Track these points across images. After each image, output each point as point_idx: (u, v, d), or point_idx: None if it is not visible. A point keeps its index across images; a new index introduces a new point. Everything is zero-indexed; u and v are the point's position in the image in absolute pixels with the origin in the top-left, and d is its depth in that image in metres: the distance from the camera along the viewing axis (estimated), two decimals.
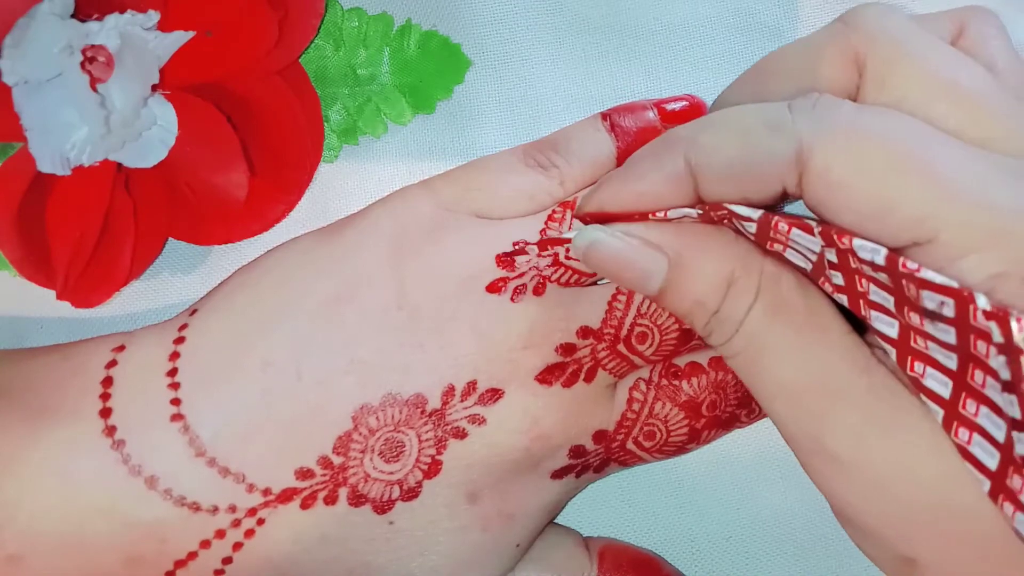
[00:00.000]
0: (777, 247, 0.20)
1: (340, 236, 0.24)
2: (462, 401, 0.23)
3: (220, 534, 0.22)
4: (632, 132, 0.25)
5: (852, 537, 0.21)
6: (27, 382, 0.23)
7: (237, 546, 0.22)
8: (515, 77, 0.28)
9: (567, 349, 0.23)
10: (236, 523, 0.22)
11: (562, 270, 0.24)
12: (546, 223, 0.24)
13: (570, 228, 0.24)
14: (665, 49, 0.28)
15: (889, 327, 0.19)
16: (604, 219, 0.22)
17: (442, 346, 0.23)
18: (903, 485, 0.19)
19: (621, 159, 0.26)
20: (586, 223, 0.22)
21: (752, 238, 0.21)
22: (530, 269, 0.24)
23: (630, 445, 0.24)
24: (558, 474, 0.24)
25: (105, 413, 0.22)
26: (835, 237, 0.18)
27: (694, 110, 0.26)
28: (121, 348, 0.23)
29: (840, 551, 0.27)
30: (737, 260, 0.21)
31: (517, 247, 0.24)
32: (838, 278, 0.19)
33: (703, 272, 0.21)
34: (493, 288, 0.23)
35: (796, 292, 0.21)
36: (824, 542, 0.27)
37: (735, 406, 0.25)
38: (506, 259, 0.24)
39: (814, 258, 0.20)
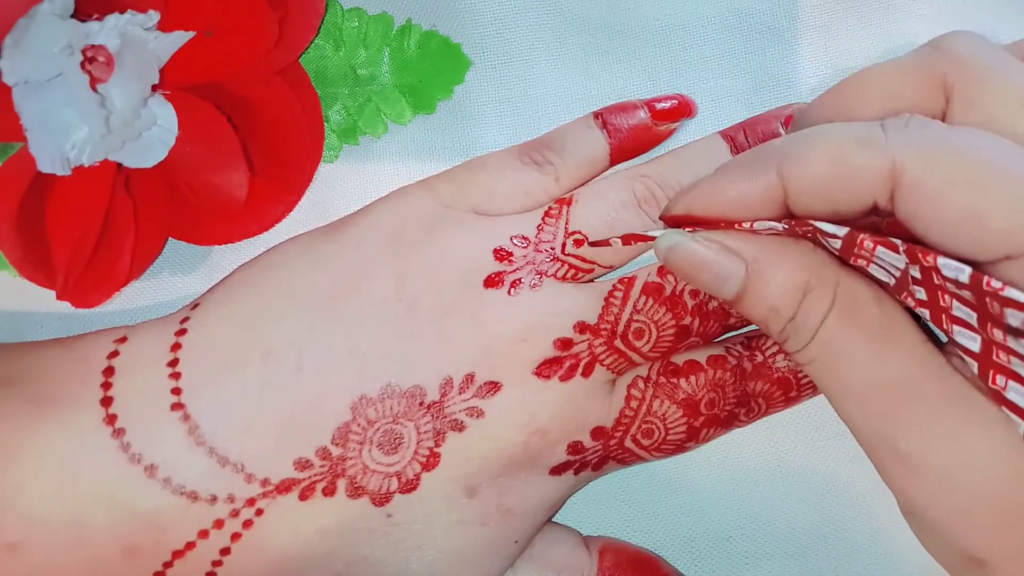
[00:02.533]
0: (860, 263, 0.21)
1: (340, 232, 0.25)
2: (460, 394, 0.23)
3: (219, 524, 0.22)
4: (624, 130, 0.26)
5: (919, 536, 0.22)
6: (29, 372, 0.23)
7: (235, 536, 0.22)
8: (515, 77, 0.28)
9: (564, 343, 0.23)
10: (235, 513, 0.22)
11: (559, 265, 0.24)
12: (543, 219, 0.24)
13: (567, 226, 0.24)
14: (665, 49, 0.28)
15: (971, 341, 0.19)
16: (688, 224, 0.22)
17: (440, 338, 0.23)
18: (975, 486, 0.19)
19: (614, 156, 0.26)
20: (670, 226, 0.23)
21: (836, 253, 0.21)
22: (527, 264, 0.24)
23: (628, 443, 0.25)
24: (556, 470, 0.24)
25: (106, 402, 0.22)
26: (919, 255, 0.18)
27: (683, 108, 0.27)
28: (123, 339, 0.24)
29: (840, 551, 0.27)
30: (813, 269, 0.21)
31: (602, 240, 0.24)
32: (921, 293, 0.20)
33: (779, 279, 0.21)
34: (491, 282, 0.24)
35: (871, 302, 0.21)
36: (824, 542, 0.27)
37: (734, 404, 0.25)
38: (504, 253, 0.24)
39: (898, 274, 0.20)
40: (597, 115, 0.26)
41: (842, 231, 0.20)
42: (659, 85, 0.28)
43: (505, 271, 0.24)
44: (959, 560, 0.20)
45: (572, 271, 0.24)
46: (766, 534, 0.27)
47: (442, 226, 0.24)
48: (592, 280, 0.25)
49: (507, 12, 0.28)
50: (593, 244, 0.24)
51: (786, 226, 0.21)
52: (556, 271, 0.24)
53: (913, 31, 0.28)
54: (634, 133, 0.26)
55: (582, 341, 0.24)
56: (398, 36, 0.28)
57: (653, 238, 0.23)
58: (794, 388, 0.25)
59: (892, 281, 0.20)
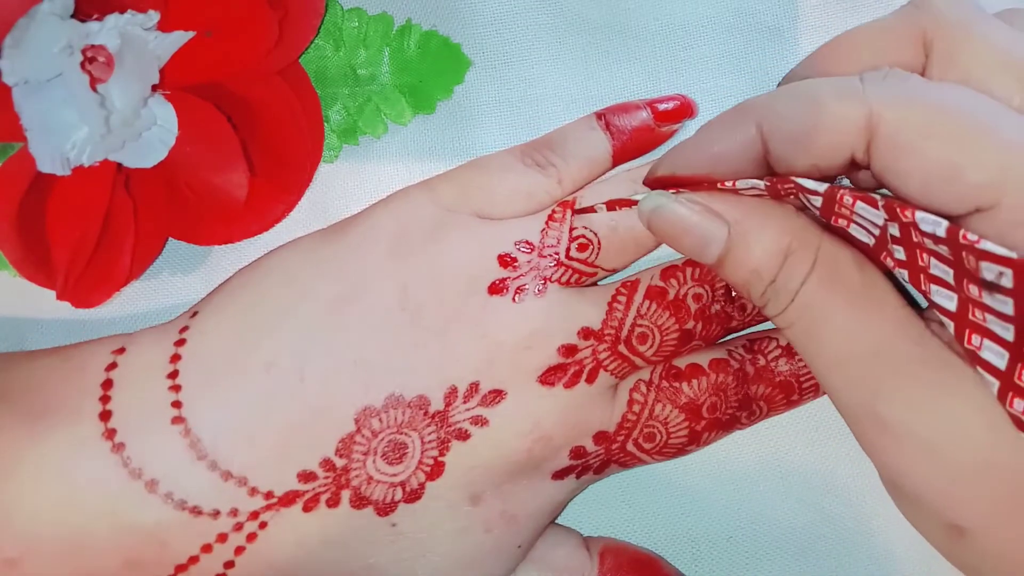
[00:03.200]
0: (841, 222, 0.21)
1: (342, 237, 0.24)
2: (464, 403, 0.23)
3: (222, 538, 0.22)
4: (627, 131, 0.26)
5: (900, 507, 0.22)
6: (26, 384, 0.23)
7: (239, 550, 0.22)
8: (515, 77, 0.28)
9: (569, 350, 0.23)
10: (238, 527, 0.22)
11: (563, 270, 0.24)
12: (547, 223, 0.24)
13: (571, 231, 0.24)
14: (665, 49, 0.28)
15: (948, 300, 0.19)
16: (672, 185, 0.22)
17: (445, 347, 0.23)
18: (954, 450, 0.19)
19: (616, 158, 0.26)
20: (653, 188, 0.23)
21: (817, 213, 0.21)
22: (531, 269, 0.24)
23: (630, 447, 0.24)
24: (559, 475, 0.24)
25: (105, 416, 0.22)
26: (898, 210, 0.18)
27: (685, 109, 0.27)
28: (121, 350, 0.23)
29: (840, 551, 0.27)
30: (795, 232, 0.21)
31: (587, 207, 0.24)
32: (900, 252, 0.20)
33: (761, 242, 0.21)
34: (495, 289, 0.23)
35: (852, 266, 0.21)
36: (824, 542, 0.27)
37: (735, 408, 0.25)
38: (508, 259, 0.24)
39: (877, 232, 0.20)
40: (599, 116, 0.26)
41: (822, 187, 0.20)
42: (659, 85, 0.28)
43: (510, 277, 0.24)
44: (940, 528, 0.20)
45: (576, 275, 0.24)
46: (766, 534, 0.27)
47: (445, 231, 0.24)
48: (595, 283, 0.25)
49: (507, 12, 0.28)
50: (578, 212, 0.24)
51: (768, 183, 0.21)
52: (560, 276, 0.24)
53: None
54: (636, 134, 0.26)
55: (586, 347, 0.24)
56: (398, 36, 0.28)
57: (634, 202, 0.23)
58: (796, 391, 0.25)
59: (872, 241, 0.20)
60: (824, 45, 0.23)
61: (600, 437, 0.24)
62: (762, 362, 0.25)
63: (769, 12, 0.28)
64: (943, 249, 0.18)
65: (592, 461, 0.25)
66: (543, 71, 0.28)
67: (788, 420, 0.27)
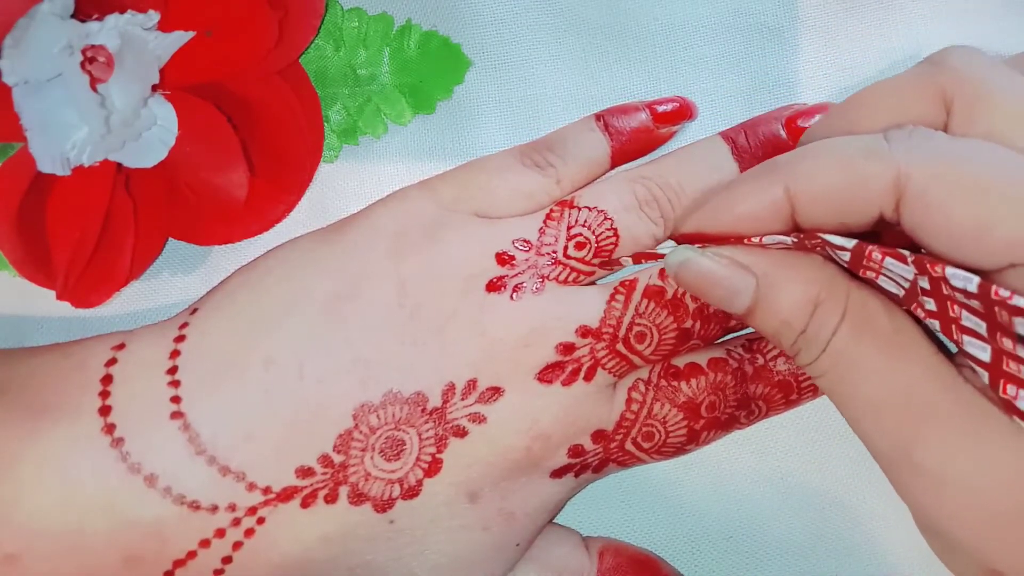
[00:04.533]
0: (870, 274, 0.21)
1: (341, 236, 0.24)
2: (463, 399, 0.23)
3: (220, 533, 0.22)
4: (626, 132, 0.26)
5: (937, 551, 0.22)
6: (26, 380, 0.23)
7: (237, 545, 0.22)
8: (515, 77, 0.28)
9: (567, 348, 0.23)
10: (236, 522, 0.22)
11: (561, 268, 0.24)
12: (544, 222, 0.24)
13: (569, 230, 0.24)
14: (665, 50, 0.28)
15: (981, 351, 0.19)
16: (698, 241, 0.23)
17: (443, 344, 0.23)
18: (992, 496, 0.19)
19: (615, 159, 0.26)
20: (680, 243, 0.23)
21: (845, 266, 0.21)
22: (529, 267, 0.24)
23: (629, 446, 0.25)
24: (557, 473, 0.24)
25: (104, 411, 0.22)
26: (928, 266, 0.18)
27: (684, 111, 0.27)
28: (121, 346, 0.23)
29: (840, 551, 0.27)
30: (823, 282, 0.21)
31: (614, 259, 0.24)
32: (930, 304, 0.20)
33: (790, 293, 0.21)
34: (493, 286, 0.24)
35: (882, 314, 0.21)
36: (824, 542, 0.27)
37: (734, 407, 0.25)
38: (506, 257, 0.24)
39: (907, 285, 0.20)
40: (598, 117, 0.26)
41: (850, 243, 0.20)
42: (658, 85, 0.28)
43: (507, 275, 0.24)
44: (978, 573, 0.20)
45: (574, 274, 0.24)
46: (766, 534, 0.27)
47: (444, 229, 0.24)
48: (593, 282, 0.25)
49: (507, 12, 0.28)
50: (604, 266, 0.24)
51: (795, 239, 0.21)
52: (558, 275, 0.24)
53: (912, 31, 0.28)
54: (635, 135, 0.26)
55: (584, 345, 0.24)
56: (398, 36, 0.28)
57: (660, 255, 0.23)
58: (795, 391, 0.25)
59: (901, 293, 0.21)
60: (844, 102, 0.23)
61: (598, 436, 0.24)
62: (761, 361, 0.25)
63: (769, 12, 0.28)
64: (975, 303, 0.18)
65: (590, 460, 0.25)
66: (543, 71, 0.28)
67: (788, 420, 0.27)
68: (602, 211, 0.24)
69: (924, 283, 0.19)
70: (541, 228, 0.24)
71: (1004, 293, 0.17)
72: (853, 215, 0.20)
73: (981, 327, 0.19)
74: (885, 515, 0.27)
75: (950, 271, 0.18)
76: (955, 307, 0.19)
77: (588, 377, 0.24)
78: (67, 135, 0.25)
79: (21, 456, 0.21)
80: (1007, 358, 0.18)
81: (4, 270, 0.28)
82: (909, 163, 0.19)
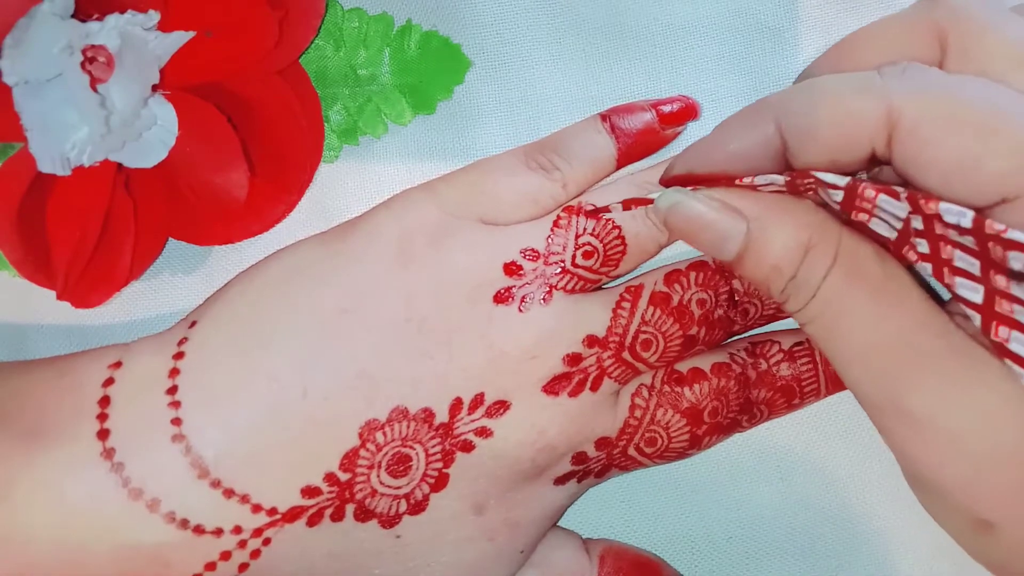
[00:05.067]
0: (862, 216, 0.20)
1: (343, 243, 0.24)
2: (469, 414, 0.23)
3: (225, 556, 0.22)
4: (631, 133, 0.26)
5: (924, 502, 0.21)
6: (22, 401, 0.22)
7: (243, 567, 0.22)
8: (515, 78, 0.28)
9: (573, 359, 0.23)
10: (242, 544, 0.22)
11: (568, 277, 0.24)
12: (552, 229, 0.24)
13: (577, 238, 0.24)
14: (665, 50, 0.28)
15: (974, 293, 0.19)
16: (688, 183, 0.22)
17: (451, 358, 0.23)
18: (982, 443, 0.19)
19: (621, 160, 0.26)
20: (669, 186, 0.23)
21: (837, 207, 0.21)
22: (537, 277, 0.23)
23: (632, 451, 0.24)
24: (560, 480, 0.24)
25: (103, 435, 0.22)
26: (921, 202, 0.18)
27: (689, 111, 0.27)
28: (118, 364, 0.23)
29: (840, 551, 0.27)
30: (815, 227, 0.21)
31: (602, 207, 0.24)
32: (923, 246, 0.20)
33: (781, 237, 0.21)
34: (500, 298, 0.23)
35: (873, 259, 0.21)
36: (824, 542, 0.27)
37: (736, 412, 0.25)
38: (514, 267, 0.23)
39: (899, 226, 0.20)
40: (604, 118, 0.26)
41: (843, 180, 0.20)
42: (659, 85, 0.28)
43: (515, 286, 0.23)
44: (966, 524, 0.20)
45: (581, 282, 0.24)
46: (766, 535, 0.27)
47: (450, 238, 0.24)
48: (599, 288, 0.25)
49: (507, 12, 0.28)
50: (591, 213, 0.24)
51: (787, 178, 0.21)
52: (565, 283, 0.24)
53: None
54: (641, 137, 0.26)
55: (591, 355, 0.23)
56: (398, 36, 0.28)
57: (650, 201, 0.23)
58: (797, 395, 0.25)
59: (894, 235, 0.20)
60: (839, 42, 0.23)
61: (602, 443, 0.24)
62: (764, 366, 0.25)
63: (769, 12, 0.28)
64: (968, 240, 0.18)
65: (593, 466, 0.24)
66: (543, 72, 0.28)
67: (788, 421, 0.27)
68: (609, 219, 0.24)
69: (917, 223, 0.19)
70: (548, 236, 0.24)
71: (998, 226, 0.17)
72: (845, 152, 0.20)
73: (974, 266, 0.18)
74: (885, 515, 0.27)
75: (943, 206, 0.18)
76: (948, 247, 0.19)
77: (594, 387, 0.24)
78: (67, 135, 0.25)
79: (17, 480, 0.21)
80: (999, 297, 0.18)
81: (4, 270, 0.28)
82: (901, 97, 0.19)
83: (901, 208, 0.19)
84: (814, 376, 0.25)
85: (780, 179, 0.21)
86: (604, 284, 0.25)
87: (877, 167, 0.21)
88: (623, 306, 0.24)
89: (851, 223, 0.21)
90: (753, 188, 0.21)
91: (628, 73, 0.28)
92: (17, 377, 0.23)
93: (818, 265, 0.21)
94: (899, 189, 0.19)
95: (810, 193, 0.21)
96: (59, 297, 0.26)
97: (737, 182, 0.21)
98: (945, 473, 0.20)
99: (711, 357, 0.25)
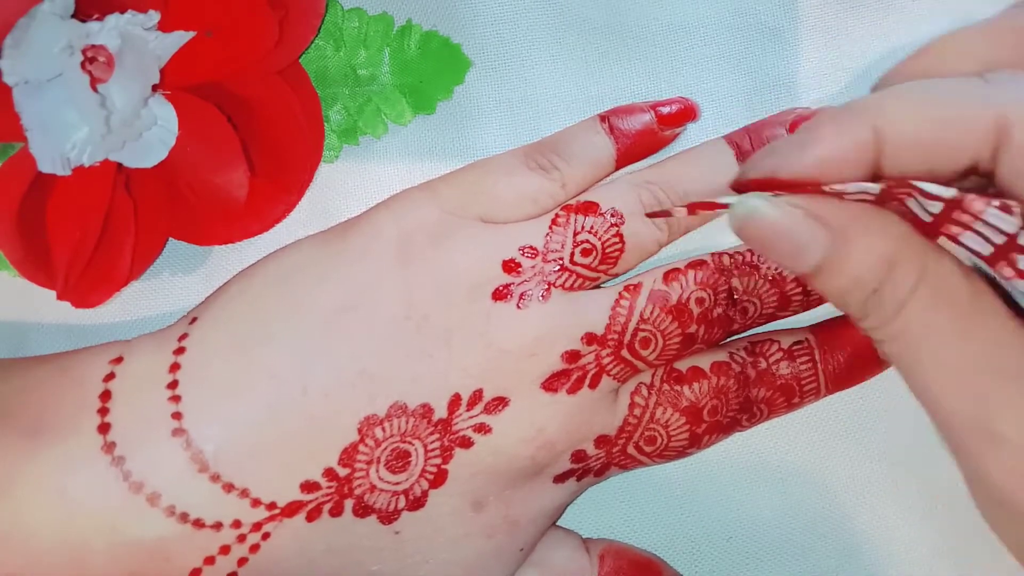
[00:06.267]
0: (956, 230, 0.19)
1: (343, 241, 0.24)
2: (468, 410, 0.23)
3: (224, 550, 0.22)
4: (630, 135, 0.26)
5: (995, 522, 0.21)
6: (23, 396, 0.22)
7: (242, 561, 0.22)
8: (515, 78, 0.28)
9: (572, 356, 0.23)
10: (241, 538, 0.22)
11: (567, 275, 0.24)
12: (550, 228, 0.24)
13: (575, 236, 0.24)
14: (665, 50, 0.28)
15: None
16: (769, 188, 0.20)
17: (450, 355, 0.23)
18: None
19: (620, 161, 0.26)
20: (742, 192, 0.20)
21: (929, 219, 0.19)
22: (536, 275, 0.24)
23: (631, 450, 0.24)
24: (560, 478, 0.24)
25: (104, 429, 0.22)
26: None
27: (687, 112, 0.27)
28: (119, 360, 0.23)
29: (840, 551, 0.27)
30: (900, 241, 0.19)
31: (663, 211, 0.22)
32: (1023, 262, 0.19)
33: (865, 248, 0.19)
34: (499, 295, 0.23)
35: (959, 277, 0.20)
36: (824, 542, 0.27)
37: (736, 411, 0.25)
38: (513, 264, 0.24)
39: (1000, 241, 0.19)
40: (603, 119, 0.26)
41: (947, 192, 0.18)
42: (659, 85, 0.28)
43: (514, 283, 0.23)
44: None
45: (579, 280, 0.24)
46: (766, 535, 0.27)
47: (449, 237, 0.24)
48: (598, 286, 0.25)
49: (507, 12, 0.28)
50: (651, 215, 0.23)
51: (884, 187, 0.19)
52: (564, 281, 0.24)
53: (912, 31, 0.28)
54: (640, 138, 0.26)
55: (589, 353, 0.23)
56: (398, 36, 0.28)
57: (725, 205, 0.20)
58: (797, 394, 0.25)
59: (990, 250, 0.19)
60: (925, 46, 0.21)
61: (601, 441, 0.24)
62: (763, 365, 0.25)
63: (769, 12, 0.28)
64: None
65: (593, 464, 0.24)
66: (543, 72, 0.28)
67: (788, 421, 0.27)
68: (607, 215, 0.24)
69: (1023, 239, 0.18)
70: (547, 234, 0.24)
71: None
72: (944, 161, 0.19)
73: None
74: (885, 515, 0.27)
75: None
76: None
77: (593, 384, 0.24)
78: (67, 135, 0.25)
79: (19, 476, 0.21)
80: None
81: (4, 270, 0.28)
82: (1011, 107, 0.18)
83: (1010, 223, 0.18)
84: (813, 375, 0.25)
85: (874, 187, 0.19)
86: (603, 283, 0.25)
87: (970, 179, 0.20)
88: (622, 304, 0.24)
89: (931, 238, 0.20)
90: (840, 196, 0.20)
91: (628, 73, 0.28)
92: (19, 373, 0.23)
93: (904, 281, 0.19)
94: (1011, 203, 0.18)
95: (894, 203, 0.20)
96: (59, 297, 0.26)
97: (825, 188, 0.19)
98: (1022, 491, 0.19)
99: (710, 356, 0.25)
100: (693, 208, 0.21)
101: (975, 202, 0.18)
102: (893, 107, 0.19)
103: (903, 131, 0.19)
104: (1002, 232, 0.19)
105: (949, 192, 0.18)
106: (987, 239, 0.19)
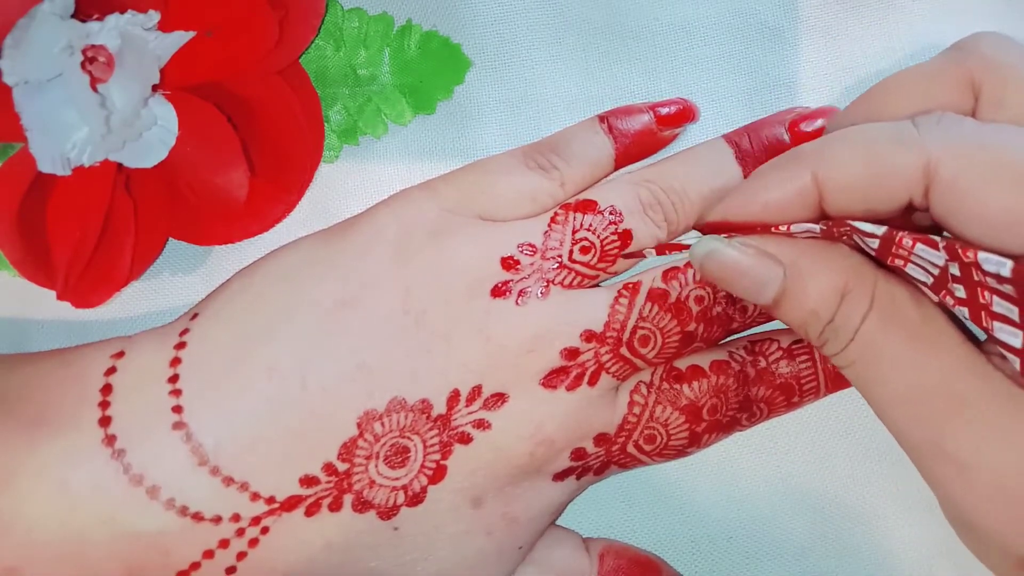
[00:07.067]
0: (898, 262, 0.20)
1: (343, 239, 0.24)
2: (467, 406, 0.23)
3: (224, 544, 0.22)
4: (629, 135, 0.26)
5: (969, 543, 0.21)
6: (25, 390, 0.22)
7: (241, 555, 0.22)
8: (515, 77, 0.28)
9: (571, 353, 0.23)
10: (240, 532, 0.22)
11: (566, 272, 0.24)
12: (549, 225, 0.24)
13: (574, 234, 0.24)
14: (665, 50, 0.28)
15: (1013, 337, 0.19)
16: (723, 230, 0.22)
17: (449, 351, 0.23)
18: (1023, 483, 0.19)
19: (619, 161, 0.26)
20: (705, 233, 0.23)
21: (873, 254, 0.21)
22: (534, 272, 0.24)
23: (631, 448, 0.24)
24: (559, 476, 0.24)
25: (105, 422, 0.22)
26: (959, 251, 0.18)
27: (686, 113, 0.27)
28: (120, 354, 0.23)
29: (840, 551, 0.27)
30: (851, 271, 0.21)
31: (636, 251, 0.24)
32: (960, 291, 0.20)
33: (817, 282, 0.21)
34: (498, 291, 0.23)
35: (909, 302, 0.21)
36: (824, 542, 0.27)
37: (736, 410, 0.25)
38: (511, 261, 0.24)
39: (935, 272, 0.20)
40: (602, 119, 0.26)
41: (880, 230, 0.20)
42: (659, 86, 0.28)
43: (512, 280, 0.24)
44: (1010, 564, 0.20)
45: (578, 278, 0.24)
46: (766, 535, 0.27)
47: (448, 234, 0.24)
48: (597, 285, 0.25)
49: (507, 12, 0.28)
50: (627, 256, 0.24)
51: (824, 227, 0.21)
52: (563, 279, 0.24)
53: (912, 31, 0.28)
54: (638, 138, 0.26)
55: (588, 350, 0.24)
56: (398, 36, 0.28)
57: (687, 246, 0.23)
58: (796, 393, 0.25)
59: (930, 280, 0.20)
60: (871, 89, 0.23)
61: (601, 439, 0.24)
62: (763, 364, 0.25)
63: (769, 12, 0.28)
64: (1007, 288, 0.18)
65: (592, 462, 0.25)
66: (543, 71, 0.28)
67: (788, 421, 0.27)
68: (605, 213, 0.24)
69: (954, 269, 0.19)
70: (546, 232, 0.24)
71: None
72: (881, 202, 0.20)
73: (1013, 312, 0.18)
74: (885, 515, 0.27)
75: (982, 256, 0.18)
76: (985, 293, 0.19)
77: (592, 382, 0.24)
78: (67, 135, 0.25)
79: (20, 468, 0.21)
80: None
81: (4, 270, 0.28)
82: (939, 149, 0.19)
83: (938, 256, 0.19)
84: (813, 375, 0.25)
85: (816, 227, 0.21)
86: (602, 281, 0.25)
87: (912, 213, 0.21)
88: (621, 302, 0.24)
89: (886, 266, 0.21)
90: (789, 235, 0.21)
91: (628, 73, 0.28)
92: (21, 367, 0.23)
93: (855, 309, 0.21)
94: (936, 238, 0.19)
95: (844, 238, 0.21)
96: (59, 297, 0.26)
97: (773, 230, 0.21)
98: (988, 515, 0.20)
99: (710, 355, 0.25)
100: (661, 249, 0.24)
101: (903, 239, 0.20)
102: (830, 155, 0.21)
103: (840, 177, 0.20)
104: (934, 264, 0.20)
105: (880, 230, 0.20)
106: (926, 270, 0.20)
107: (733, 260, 0.21)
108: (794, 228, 0.21)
